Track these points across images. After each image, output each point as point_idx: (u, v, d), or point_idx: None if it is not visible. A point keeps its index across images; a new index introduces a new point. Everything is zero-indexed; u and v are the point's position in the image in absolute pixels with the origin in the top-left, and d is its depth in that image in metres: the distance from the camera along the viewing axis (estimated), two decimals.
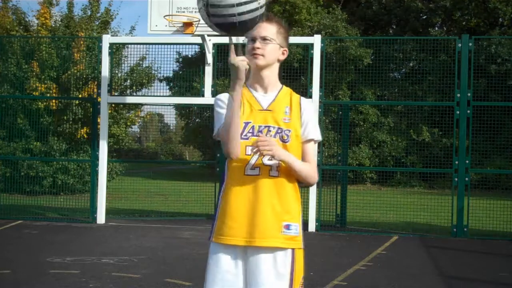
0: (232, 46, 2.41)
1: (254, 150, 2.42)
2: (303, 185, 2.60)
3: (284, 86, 2.64)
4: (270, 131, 2.51)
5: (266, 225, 2.46)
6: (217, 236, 2.51)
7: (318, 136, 2.60)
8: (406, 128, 16.88)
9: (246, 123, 2.50)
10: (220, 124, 2.50)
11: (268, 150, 2.39)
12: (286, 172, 2.51)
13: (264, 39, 2.52)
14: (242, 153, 2.48)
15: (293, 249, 2.50)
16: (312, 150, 2.61)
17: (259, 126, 2.51)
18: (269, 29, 2.53)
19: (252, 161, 2.49)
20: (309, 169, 2.55)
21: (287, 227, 2.49)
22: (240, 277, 2.48)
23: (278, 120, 2.53)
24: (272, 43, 2.53)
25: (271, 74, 2.58)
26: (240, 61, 2.40)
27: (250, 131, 2.51)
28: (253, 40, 2.54)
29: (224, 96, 2.57)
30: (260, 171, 2.49)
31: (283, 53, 2.58)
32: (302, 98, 2.63)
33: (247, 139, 2.48)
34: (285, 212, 2.50)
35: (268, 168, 2.49)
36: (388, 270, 6.59)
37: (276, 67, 2.59)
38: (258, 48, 2.51)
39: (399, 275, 6.34)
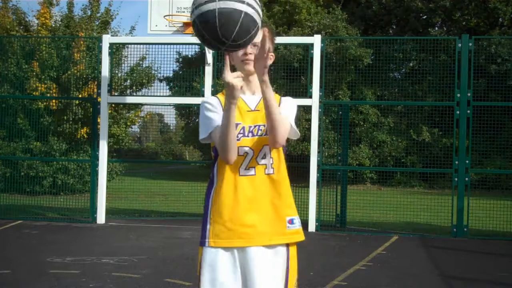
0: (227, 62, 2.28)
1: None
2: (274, 143, 2.47)
3: None
4: (260, 129, 2.49)
5: (270, 223, 2.46)
6: (215, 240, 2.45)
7: (292, 120, 2.53)
8: (406, 128, 16.88)
9: (236, 125, 2.43)
10: (211, 128, 2.46)
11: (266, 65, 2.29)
12: (281, 168, 2.52)
13: (254, 44, 2.42)
14: None
15: (288, 244, 2.51)
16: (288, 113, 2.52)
17: (249, 127, 2.50)
18: (258, 34, 2.41)
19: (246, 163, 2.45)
20: (283, 118, 2.43)
21: (291, 221, 2.51)
22: (239, 280, 2.46)
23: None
24: None
25: None
26: (235, 79, 2.26)
27: (241, 132, 2.48)
28: None
29: (213, 100, 2.53)
30: (256, 171, 2.48)
31: (270, 58, 2.41)
32: (283, 97, 2.61)
33: (239, 140, 2.46)
34: (287, 207, 2.51)
35: (264, 166, 2.48)
36: (388, 270, 6.59)
37: None
38: (250, 53, 2.46)
39: (399, 275, 6.34)
